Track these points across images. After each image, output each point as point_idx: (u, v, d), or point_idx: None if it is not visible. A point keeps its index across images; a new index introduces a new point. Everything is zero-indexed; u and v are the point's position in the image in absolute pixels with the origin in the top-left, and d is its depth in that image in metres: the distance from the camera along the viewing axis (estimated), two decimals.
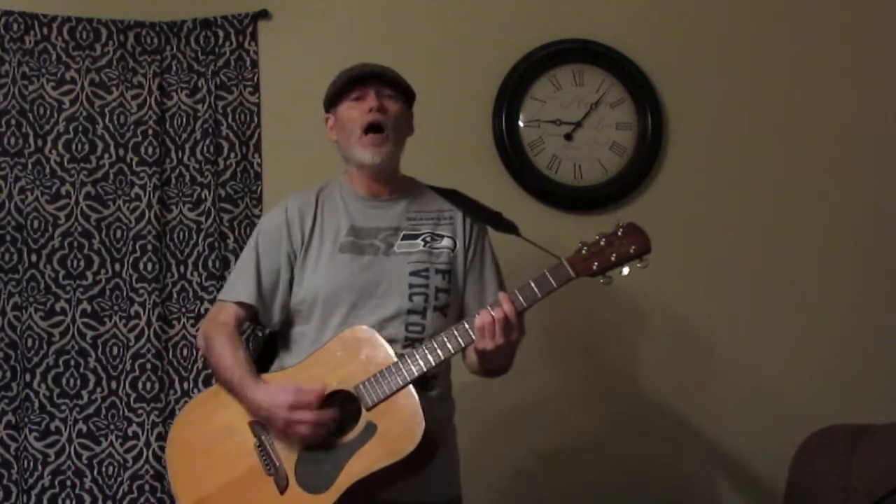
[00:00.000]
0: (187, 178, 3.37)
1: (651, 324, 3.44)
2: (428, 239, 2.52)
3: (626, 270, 2.31)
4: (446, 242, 2.53)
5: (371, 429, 2.30)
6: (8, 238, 3.29)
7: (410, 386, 2.31)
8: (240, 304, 2.53)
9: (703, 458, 3.42)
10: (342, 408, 2.34)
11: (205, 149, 3.36)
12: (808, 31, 3.53)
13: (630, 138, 3.46)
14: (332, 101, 2.60)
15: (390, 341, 2.37)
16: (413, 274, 2.47)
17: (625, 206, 3.46)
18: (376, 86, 2.55)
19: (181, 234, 3.34)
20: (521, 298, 2.31)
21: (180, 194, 3.36)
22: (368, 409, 2.31)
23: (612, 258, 2.30)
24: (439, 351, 2.32)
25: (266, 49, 3.41)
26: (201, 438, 2.44)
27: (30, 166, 3.31)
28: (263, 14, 3.43)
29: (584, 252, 2.32)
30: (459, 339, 2.33)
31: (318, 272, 2.48)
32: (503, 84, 3.44)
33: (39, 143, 3.33)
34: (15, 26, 3.33)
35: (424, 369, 2.31)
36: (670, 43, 3.50)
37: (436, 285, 2.48)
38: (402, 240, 2.51)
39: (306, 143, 3.20)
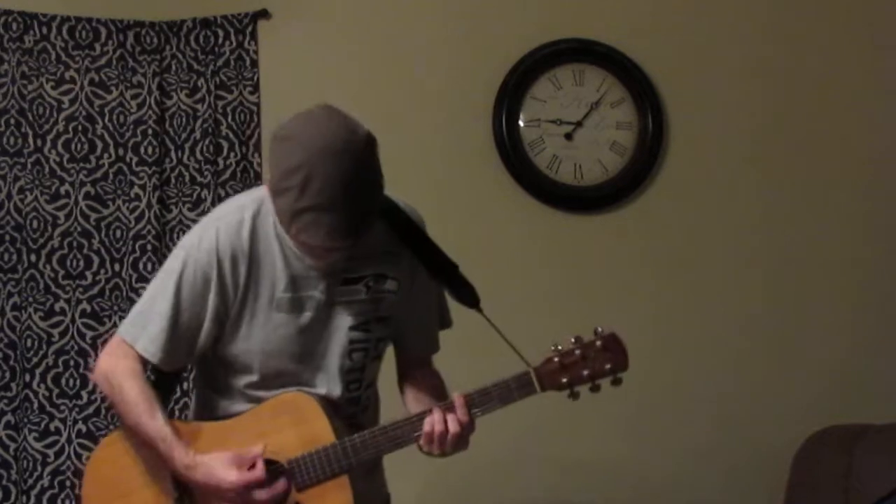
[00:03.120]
0: (187, 177, 3.36)
1: (649, 322, 3.43)
2: (371, 283, 2.17)
3: (596, 389, 2.11)
4: (389, 285, 2.19)
5: None
6: (7, 238, 3.28)
7: (347, 477, 2.11)
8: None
9: (704, 459, 3.42)
10: (271, 480, 2.13)
11: (204, 149, 3.36)
12: (809, 30, 3.53)
13: (630, 138, 3.46)
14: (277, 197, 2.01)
15: (331, 402, 2.16)
16: (353, 328, 2.17)
17: (625, 206, 3.46)
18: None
19: (181, 234, 3.33)
20: (478, 406, 2.09)
21: (180, 194, 3.36)
22: (299, 490, 2.11)
23: (584, 373, 2.08)
24: (383, 445, 2.12)
25: (266, 49, 3.41)
26: (122, 477, 2.20)
27: (29, 166, 3.31)
28: (263, 14, 3.42)
29: (555, 362, 2.09)
30: (407, 436, 2.11)
31: (252, 335, 2.15)
32: (503, 84, 3.43)
33: (39, 142, 3.32)
34: (14, 26, 3.33)
35: (364, 460, 2.12)
36: (670, 43, 3.50)
37: (377, 336, 2.21)
38: (342, 284, 2.15)
39: None
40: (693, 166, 3.48)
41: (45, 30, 3.35)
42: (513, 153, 3.42)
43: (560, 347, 2.11)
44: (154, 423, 2.12)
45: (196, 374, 2.35)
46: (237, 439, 2.15)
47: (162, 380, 2.26)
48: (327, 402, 2.16)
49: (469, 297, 2.19)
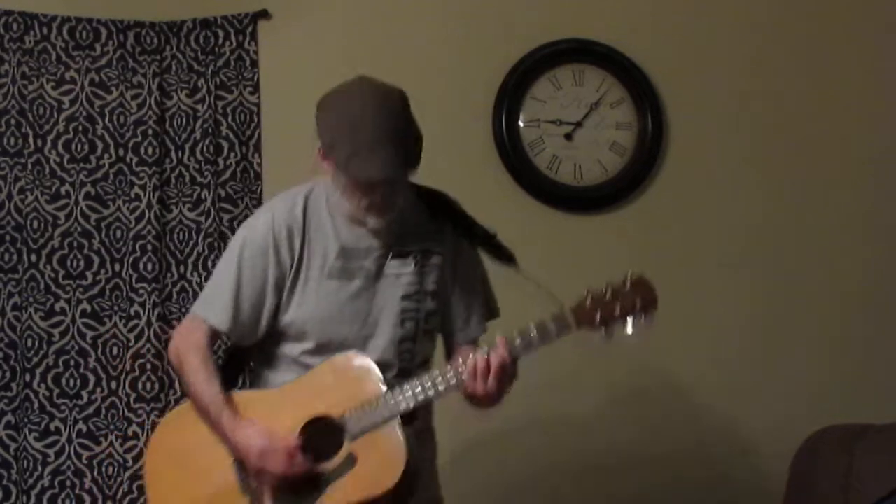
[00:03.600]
0: (187, 178, 3.36)
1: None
2: (419, 258, 2.34)
3: (629, 328, 2.22)
4: (435, 260, 2.36)
5: (351, 460, 2.23)
6: (8, 238, 3.28)
7: (397, 422, 2.23)
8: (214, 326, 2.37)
9: (704, 459, 3.42)
10: (325, 434, 2.26)
11: (205, 149, 3.36)
12: (809, 30, 3.53)
13: (630, 138, 3.46)
14: (331, 152, 2.25)
15: (383, 368, 2.28)
16: (405, 298, 2.33)
17: (625, 206, 3.47)
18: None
19: (181, 234, 3.34)
20: (518, 346, 2.23)
21: (180, 194, 3.36)
22: (352, 440, 2.24)
23: (616, 312, 2.21)
24: (430, 390, 2.24)
25: (266, 49, 3.41)
26: (183, 446, 2.37)
27: (29, 166, 3.31)
28: (263, 14, 3.42)
29: (588, 302, 2.22)
30: (451, 381, 2.24)
31: (306, 301, 2.32)
32: (503, 84, 3.43)
33: (39, 143, 3.32)
34: (15, 26, 3.33)
35: (411, 406, 2.24)
36: (670, 43, 3.50)
37: (427, 309, 2.35)
38: (392, 258, 2.33)
39: (306, 142, 3.18)
40: (693, 166, 3.48)
41: (45, 30, 3.35)
42: (513, 153, 3.42)
43: (591, 290, 2.24)
44: (209, 389, 2.30)
45: (253, 355, 2.48)
46: (295, 399, 2.30)
47: (231, 359, 2.48)
48: (380, 366, 2.28)
49: (506, 257, 2.38)
